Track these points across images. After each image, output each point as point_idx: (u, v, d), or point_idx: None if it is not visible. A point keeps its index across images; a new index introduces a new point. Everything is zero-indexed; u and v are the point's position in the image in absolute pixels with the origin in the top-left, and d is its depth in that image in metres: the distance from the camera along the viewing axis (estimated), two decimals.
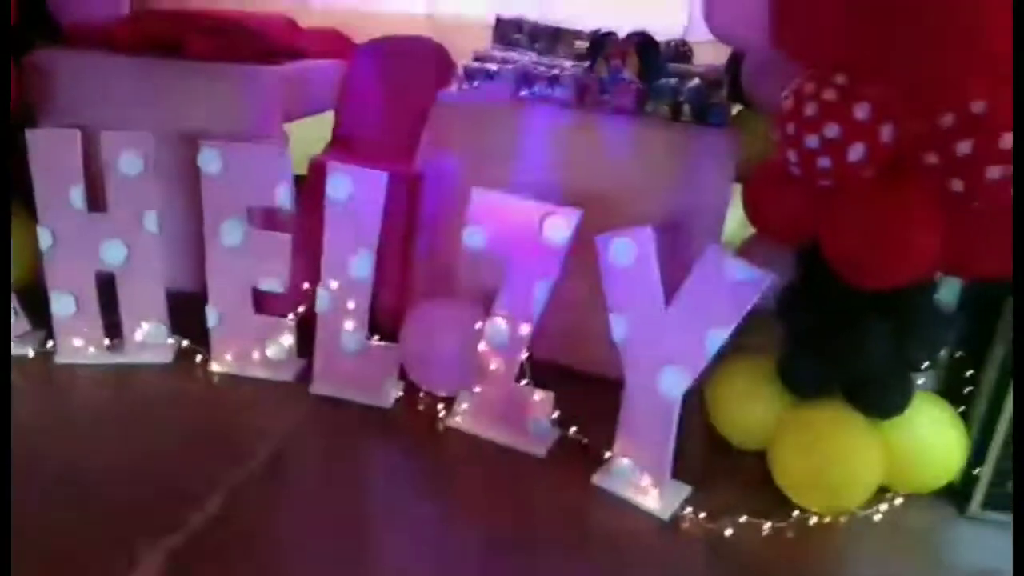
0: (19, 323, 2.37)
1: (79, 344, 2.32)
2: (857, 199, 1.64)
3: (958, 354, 2.04)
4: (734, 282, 1.71)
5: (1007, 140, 1.48)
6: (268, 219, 2.29)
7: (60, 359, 2.31)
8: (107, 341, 2.34)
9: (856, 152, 1.59)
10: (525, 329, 2.02)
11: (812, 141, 1.61)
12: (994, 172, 1.50)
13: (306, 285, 2.23)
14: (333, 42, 3.09)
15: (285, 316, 2.31)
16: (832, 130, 1.59)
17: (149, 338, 2.35)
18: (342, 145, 2.88)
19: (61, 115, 2.54)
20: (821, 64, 1.66)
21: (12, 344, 2.32)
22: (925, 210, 1.60)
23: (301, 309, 2.28)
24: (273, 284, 2.26)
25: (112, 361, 2.32)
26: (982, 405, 1.97)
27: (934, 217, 1.61)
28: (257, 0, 3.23)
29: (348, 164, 2.17)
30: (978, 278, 1.87)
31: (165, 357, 2.35)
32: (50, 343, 2.34)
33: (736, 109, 2.50)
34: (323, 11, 3.18)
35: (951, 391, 2.06)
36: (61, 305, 2.29)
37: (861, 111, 1.58)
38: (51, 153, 2.20)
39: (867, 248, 1.63)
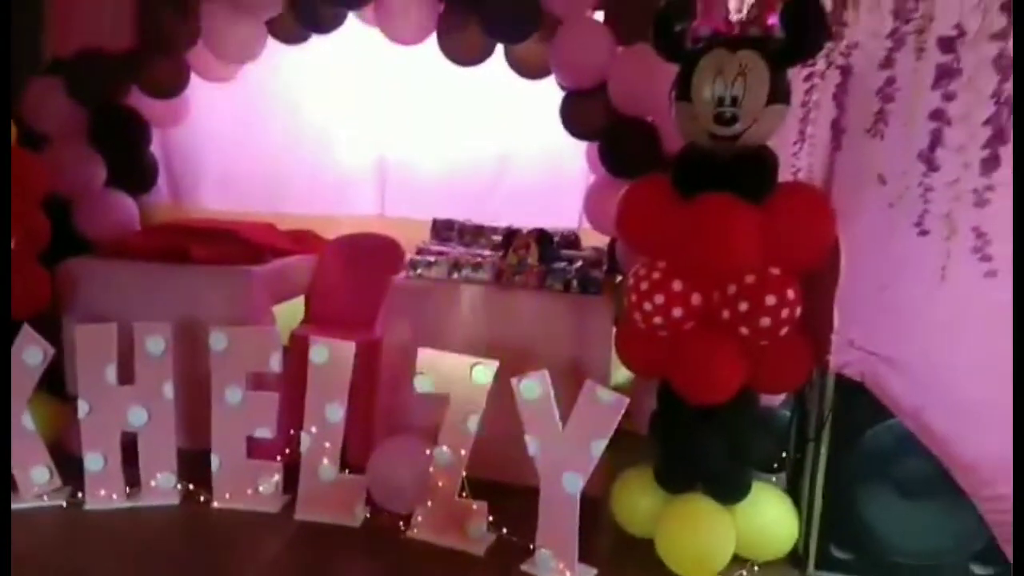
0: (53, 481, 2.87)
1: (104, 493, 2.82)
2: (682, 343, 2.35)
3: (796, 455, 2.70)
4: (607, 404, 2.38)
5: (771, 299, 2.22)
6: (260, 381, 2.89)
7: (89, 506, 2.80)
8: (127, 489, 2.85)
9: (676, 312, 2.31)
10: (463, 452, 2.63)
11: (647, 306, 2.33)
12: (765, 321, 2.23)
13: (292, 431, 2.81)
14: (306, 240, 3.82)
15: (274, 459, 2.87)
16: (659, 298, 2.32)
17: (161, 484, 2.87)
18: (316, 320, 3.54)
19: (88, 310, 3.15)
20: (648, 254, 2.41)
21: (47, 497, 2.81)
22: (726, 349, 2.31)
23: (287, 451, 2.85)
24: (264, 432, 2.84)
25: (130, 505, 2.82)
26: (806, 488, 2.60)
27: (733, 353, 2.32)
28: (241, 208, 3.96)
29: (323, 336, 2.83)
30: (778, 392, 2.56)
31: (174, 500, 2.86)
32: (79, 494, 2.83)
33: (618, 279, 3.25)
34: (296, 216, 3.92)
35: (792, 482, 2.70)
36: (92, 462, 2.82)
37: (677, 285, 2.32)
38: (93, 342, 2.81)
39: (690, 377, 2.33)
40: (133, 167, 3.64)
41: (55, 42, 3.48)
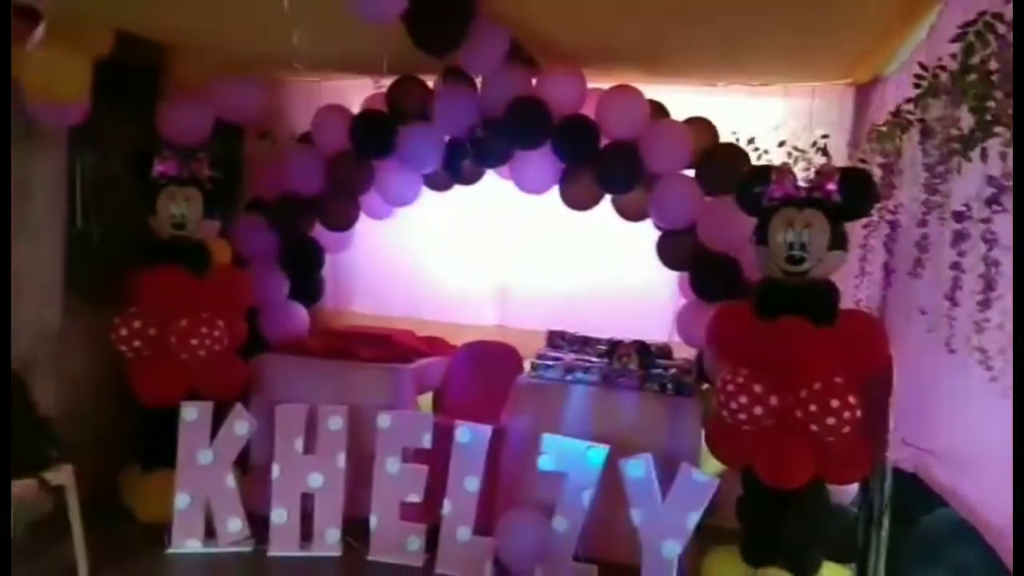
0: (243, 530, 3.45)
1: (284, 543, 3.39)
2: (762, 437, 2.81)
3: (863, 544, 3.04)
4: (700, 483, 2.84)
5: (835, 403, 2.67)
6: (413, 455, 3.45)
7: (271, 553, 3.37)
8: (302, 541, 3.41)
9: (758, 411, 2.79)
10: (578, 522, 3.10)
11: (734, 405, 2.81)
12: (831, 420, 2.68)
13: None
14: (438, 344, 4.46)
15: (421, 522, 3.39)
16: (744, 399, 2.80)
17: (328, 538, 3.41)
18: (446, 411, 4.12)
19: (272, 395, 3.81)
20: (734, 363, 2.92)
21: (238, 544, 3.39)
22: (799, 443, 2.76)
23: (431, 516, 3.37)
24: (414, 498, 3.37)
25: (304, 554, 3.37)
26: (871, 570, 2.94)
27: (805, 446, 2.76)
28: (384, 311, 4.67)
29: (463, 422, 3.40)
30: (844, 482, 2.96)
31: (338, 552, 3.40)
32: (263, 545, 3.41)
33: (704, 386, 3.74)
34: (430, 321, 4.60)
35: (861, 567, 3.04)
36: (277, 516, 3.40)
37: (758, 388, 2.80)
38: (288, 419, 3.45)
39: (769, 465, 2.77)
40: (310, 284, 4.39)
41: (256, 184, 4.33)
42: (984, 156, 1.83)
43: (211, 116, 3.89)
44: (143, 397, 3.54)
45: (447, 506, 3.30)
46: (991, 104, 1.71)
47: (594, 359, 3.78)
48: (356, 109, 4.05)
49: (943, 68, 2.12)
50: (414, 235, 4.59)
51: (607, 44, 3.45)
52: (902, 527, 2.80)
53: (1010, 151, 1.65)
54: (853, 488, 3.21)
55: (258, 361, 3.92)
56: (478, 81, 3.68)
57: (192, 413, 3.40)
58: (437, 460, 3.40)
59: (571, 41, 3.42)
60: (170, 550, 3.33)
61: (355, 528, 3.45)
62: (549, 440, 3.22)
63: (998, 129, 1.71)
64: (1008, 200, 1.65)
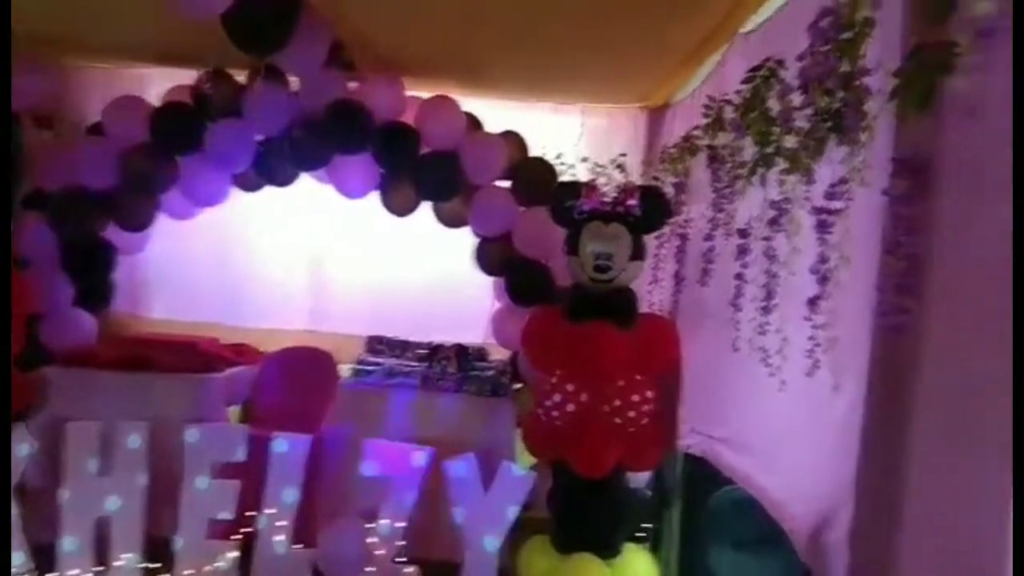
0: (27, 563, 3.06)
1: (73, 573, 3.05)
2: (573, 431, 3.00)
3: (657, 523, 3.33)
4: (518, 478, 2.97)
5: (636, 397, 2.92)
6: (223, 471, 3.26)
7: None
8: (94, 570, 3.09)
9: (569, 407, 2.97)
10: (400, 524, 3.10)
11: (548, 402, 2.97)
12: (632, 414, 2.92)
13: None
14: (247, 352, 4.24)
15: (232, 538, 3.20)
16: (558, 397, 2.97)
17: (129, 563, 3.13)
18: (256, 422, 3.93)
19: (57, 411, 3.42)
20: (547, 364, 3.08)
21: None
22: (606, 435, 2.98)
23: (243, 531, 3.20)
24: (225, 515, 3.19)
25: None
26: (665, 547, 3.24)
27: (610, 438, 2.98)
28: (186, 317, 4.35)
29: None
30: (644, 468, 3.23)
31: None
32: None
33: (518, 386, 3.89)
34: (236, 327, 4.35)
35: (655, 544, 3.33)
36: (68, 544, 3.06)
37: (570, 386, 2.98)
38: (81, 439, 3.11)
39: (579, 456, 2.96)
40: (98, 289, 3.97)
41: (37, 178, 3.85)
42: (764, 182, 2.11)
43: None
44: None
45: (263, 520, 3.16)
46: (772, 139, 1.97)
47: (414, 363, 3.80)
48: (155, 100, 3.75)
49: (728, 102, 2.41)
50: (220, 235, 4.33)
51: (426, 54, 3.49)
52: (692, 506, 3.12)
53: (788, 178, 1.91)
54: (647, 473, 3.51)
55: (39, 374, 3.50)
56: (294, 80, 3.57)
57: None
58: (250, 473, 3.24)
59: (393, 49, 3.42)
60: None
61: (157, 550, 3.18)
62: (371, 445, 3.20)
63: (778, 159, 1.98)
64: (786, 221, 1.91)
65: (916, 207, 1.30)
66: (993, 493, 1.32)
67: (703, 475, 3.02)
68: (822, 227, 1.64)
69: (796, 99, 1.76)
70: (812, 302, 1.68)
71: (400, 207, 3.78)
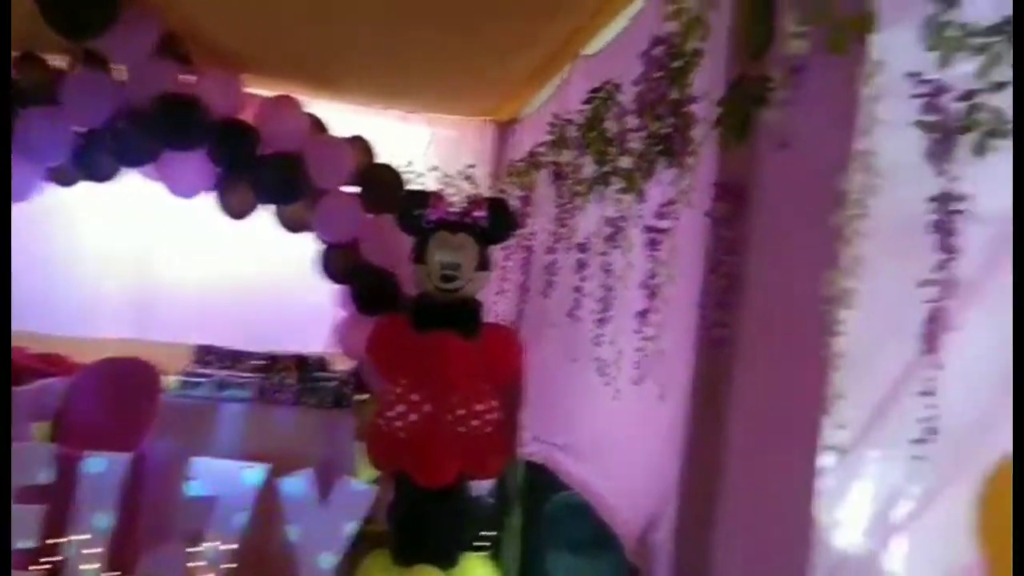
0: None
1: None
2: (416, 441, 2.96)
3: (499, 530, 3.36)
4: (358, 493, 2.88)
5: (479, 406, 2.92)
6: (24, 494, 2.92)
7: None
8: None
9: (412, 417, 2.93)
10: (229, 547, 2.92)
11: (391, 413, 2.92)
12: (475, 422, 2.92)
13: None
14: (58, 362, 3.84)
15: (34, 568, 2.88)
16: (401, 407, 2.92)
17: None
18: (66, 440, 3.56)
19: None
20: (392, 373, 3.03)
21: None
22: (448, 444, 2.96)
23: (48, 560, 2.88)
24: (28, 543, 2.86)
25: None
26: (507, 552, 3.27)
27: (454, 447, 2.97)
28: None
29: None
30: (486, 478, 3.25)
31: None
32: None
33: (362, 397, 3.79)
34: (46, 335, 3.92)
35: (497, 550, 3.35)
36: None
37: (415, 396, 2.94)
38: None
39: (422, 465, 2.93)
40: None
41: None
42: (602, 199, 2.19)
43: None
44: None
45: (71, 547, 2.86)
46: (609, 158, 2.05)
47: (248, 375, 3.60)
48: None
49: (571, 121, 2.49)
50: (32, 234, 3.89)
51: (269, 53, 3.35)
52: (532, 513, 3.17)
53: (624, 197, 2.00)
54: (490, 481, 3.54)
55: None
56: (120, 69, 3.29)
57: None
58: (58, 496, 2.93)
59: (233, 45, 3.24)
60: None
61: None
62: (198, 463, 2.99)
63: (613, 179, 2.06)
64: (621, 238, 2.00)
65: (735, 229, 1.39)
66: (800, 493, 1.43)
67: (544, 482, 3.08)
68: (652, 245, 1.73)
69: (632, 121, 1.84)
70: (642, 315, 1.76)
71: (237, 209, 3.58)
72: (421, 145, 4.22)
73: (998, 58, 1.19)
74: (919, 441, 1.22)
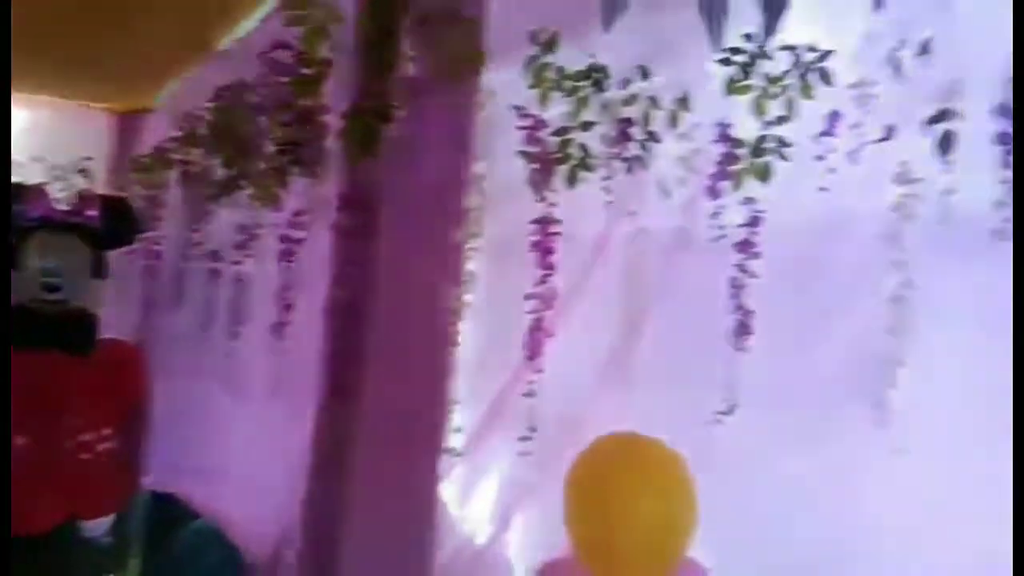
0: None
1: None
2: (12, 481, 2.45)
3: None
4: None
5: (89, 436, 2.53)
6: None
7: None
8: None
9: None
10: None
11: None
12: (86, 455, 2.52)
13: None
14: None
15: None
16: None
17: None
18: None
19: None
20: None
21: None
22: (48, 484, 2.51)
23: None
24: None
25: None
26: None
27: (56, 486, 2.52)
28: None
29: None
30: (101, 516, 2.84)
31: None
32: None
33: None
34: None
35: None
36: None
37: (20, 440, 2.43)
38: None
39: (12, 511, 2.44)
40: None
41: None
42: (234, 205, 2.05)
43: None
44: None
45: None
46: (241, 161, 1.93)
47: None
48: None
49: (201, 118, 2.30)
50: None
51: None
52: (158, 548, 2.84)
53: (257, 204, 1.89)
54: (107, 520, 3.10)
55: None
56: None
57: None
58: None
59: None
60: None
61: None
62: None
63: (246, 184, 1.94)
64: (255, 247, 1.89)
65: (361, 241, 1.39)
66: (424, 495, 1.49)
67: (173, 513, 2.79)
68: (286, 255, 1.66)
69: (263, 124, 1.75)
70: (275, 329, 1.68)
71: None
72: (24, 131, 3.56)
73: (585, 101, 1.38)
74: (524, 439, 1.34)
